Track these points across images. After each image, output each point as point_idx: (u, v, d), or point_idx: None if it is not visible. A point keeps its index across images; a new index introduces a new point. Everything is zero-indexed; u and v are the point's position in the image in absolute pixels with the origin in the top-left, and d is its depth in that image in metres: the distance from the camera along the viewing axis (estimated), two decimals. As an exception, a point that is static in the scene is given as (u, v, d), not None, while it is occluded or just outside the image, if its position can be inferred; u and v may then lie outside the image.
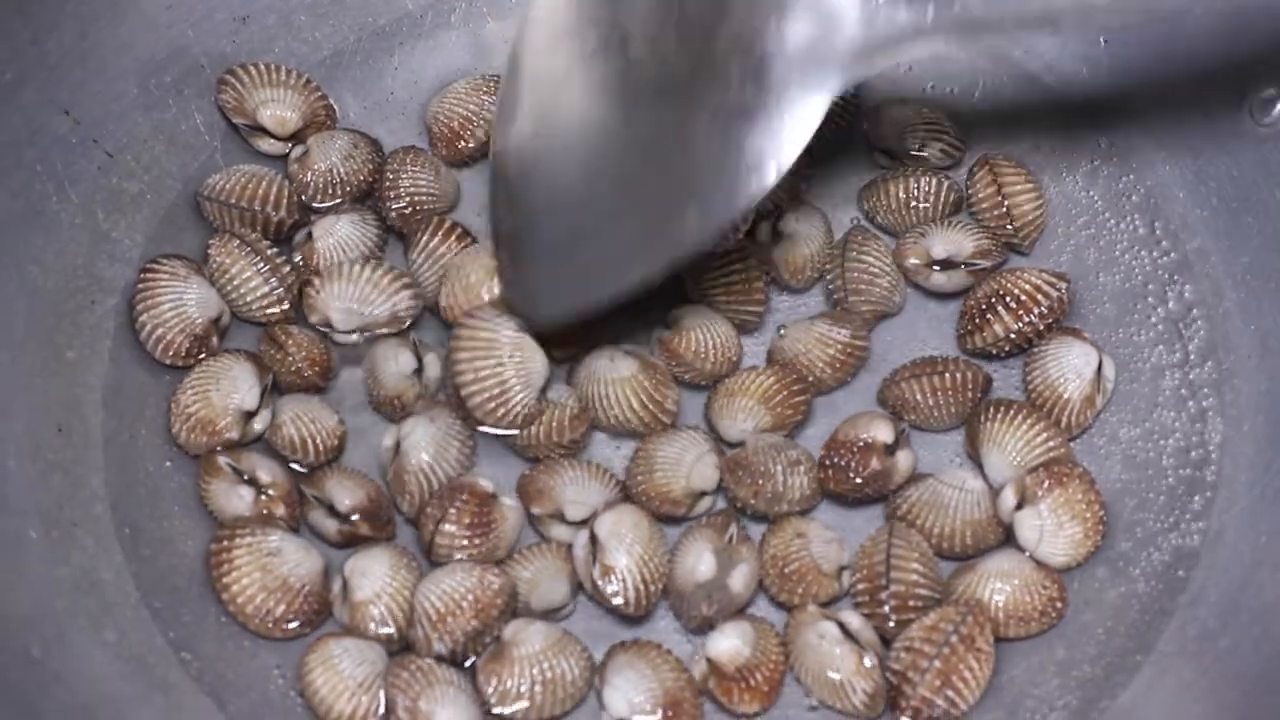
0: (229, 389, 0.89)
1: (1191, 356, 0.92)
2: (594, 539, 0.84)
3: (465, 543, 0.85)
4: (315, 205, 0.98)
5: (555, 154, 0.86)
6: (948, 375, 0.90)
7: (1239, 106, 0.91)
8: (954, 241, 0.95)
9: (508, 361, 0.88)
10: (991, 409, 0.90)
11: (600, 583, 0.83)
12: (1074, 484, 0.86)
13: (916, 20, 0.75)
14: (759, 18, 0.77)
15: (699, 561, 0.84)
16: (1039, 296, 0.92)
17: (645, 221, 0.82)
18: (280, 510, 0.86)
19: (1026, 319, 0.92)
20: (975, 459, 0.90)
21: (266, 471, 0.87)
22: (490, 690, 0.81)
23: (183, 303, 0.91)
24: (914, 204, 0.97)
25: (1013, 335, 0.92)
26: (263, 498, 0.86)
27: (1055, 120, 1.00)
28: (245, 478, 0.87)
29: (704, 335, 0.92)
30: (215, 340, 0.92)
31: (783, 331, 0.94)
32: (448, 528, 0.85)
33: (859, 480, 0.87)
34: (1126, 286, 0.95)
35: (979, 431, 0.90)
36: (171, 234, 0.95)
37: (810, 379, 0.91)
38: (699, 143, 0.80)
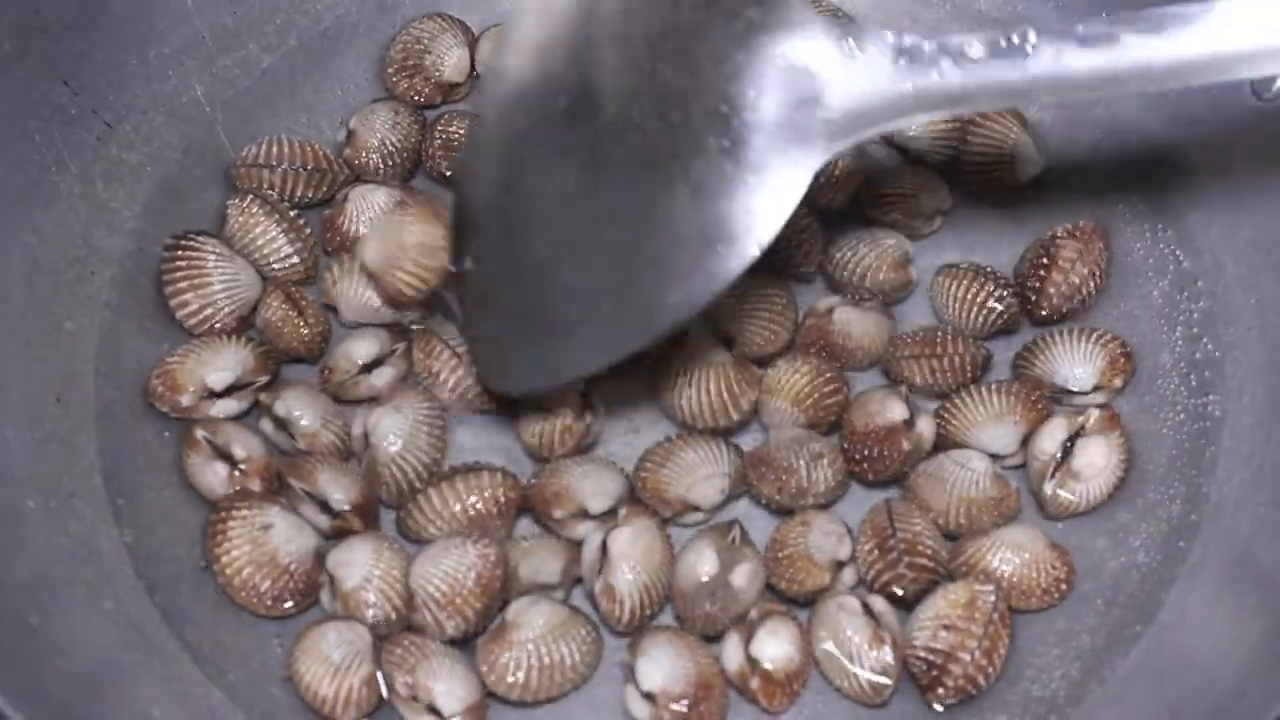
0: (208, 361, 0.88)
1: (1192, 329, 0.92)
2: (605, 550, 0.83)
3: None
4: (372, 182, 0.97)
5: (526, 218, 0.81)
6: (946, 359, 0.90)
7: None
8: None
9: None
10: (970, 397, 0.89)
11: (600, 599, 0.83)
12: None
13: (898, 92, 0.74)
14: (736, 89, 0.75)
15: (700, 560, 0.83)
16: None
17: (620, 298, 0.79)
18: (255, 485, 0.86)
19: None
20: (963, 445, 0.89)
21: (241, 446, 0.86)
22: (486, 670, 0.81)
23: (237, 284, 0.91)
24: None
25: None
26: (236, 473, 0.86)
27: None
28: (220, 453, 0.86)
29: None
30: (249, 320, 0.92)
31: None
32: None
33: (896, 464, 0.87)
34: (1126, 260, 0.96)
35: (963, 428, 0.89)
36: (170, 205, 0.95)
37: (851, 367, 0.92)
38: (675, 217, 0.76)
